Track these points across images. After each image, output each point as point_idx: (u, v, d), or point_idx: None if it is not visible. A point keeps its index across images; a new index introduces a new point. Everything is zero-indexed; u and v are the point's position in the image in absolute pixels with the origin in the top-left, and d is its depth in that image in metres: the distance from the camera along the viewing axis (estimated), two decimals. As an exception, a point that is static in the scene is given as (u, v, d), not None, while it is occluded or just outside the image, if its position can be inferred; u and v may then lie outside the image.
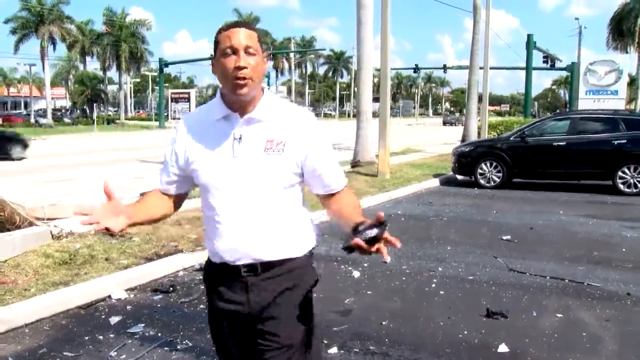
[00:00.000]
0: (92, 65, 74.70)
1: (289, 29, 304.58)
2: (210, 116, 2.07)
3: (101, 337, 4.28)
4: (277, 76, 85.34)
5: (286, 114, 2.06)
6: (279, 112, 2.05)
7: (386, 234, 1.74)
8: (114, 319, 4.64)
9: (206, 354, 3.98)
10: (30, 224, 6.59)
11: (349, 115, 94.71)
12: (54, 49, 60.94)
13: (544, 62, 44.67)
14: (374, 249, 1.72)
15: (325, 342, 4.15)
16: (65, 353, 3.99)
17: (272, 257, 2.03)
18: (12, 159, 19.83)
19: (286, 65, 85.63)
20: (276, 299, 2.05)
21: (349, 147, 18.85)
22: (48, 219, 7.27)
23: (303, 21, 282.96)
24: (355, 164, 15.11)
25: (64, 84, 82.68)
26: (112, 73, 73.22)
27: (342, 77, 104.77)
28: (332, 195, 2.13)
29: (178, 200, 2.23)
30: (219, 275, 2.10)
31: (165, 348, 4.11)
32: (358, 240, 1.71)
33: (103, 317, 4.72)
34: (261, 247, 2.02)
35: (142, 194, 2.24)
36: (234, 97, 1.97)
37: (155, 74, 70.87)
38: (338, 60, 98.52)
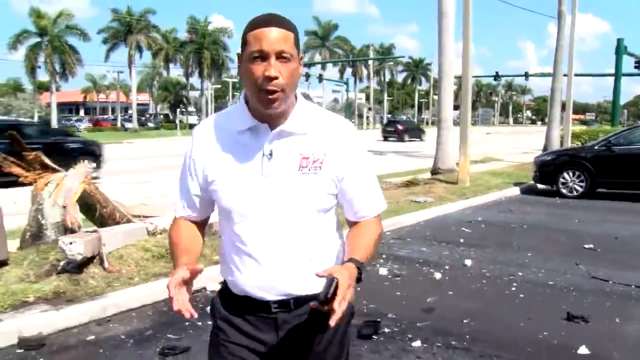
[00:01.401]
0: (175, 72, 77.49)
1: (368, 36, 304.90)
2: (232, 127, 1.78)
3: (200, 323, 4.64)
4: (355, 83, 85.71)
5: (324, 126, 1.78)
6: (315, 123, 1.78)
7: (339, 293, 1.51)
8: (210, 308, 5.01)
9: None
10: (128, 221, 7.09)
11: (427, 123, 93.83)
12: (141, 56, 63.75)
13: (635, 67, 42.77)
14: (326, 308, 1.51)
15: (409, 336, 4.38)
16: (169, 335, 4.39)
17: (306, 291, 1.77)
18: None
19: (365, 72, 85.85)
20: (310, 339, 1.82)
21: (428, 154, 18.93)
22: (143, 217, 7.79)
23: (382, 28, 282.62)
24: (435, 171, 15.19)
25: (148, 90, 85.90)
26: (194, 79, 75.68)
27: (420, 84, 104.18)
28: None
29: (204, 226, 1.99)
30: (240, 308, 1.84)
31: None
32: (313, 305, 1.54)
33: (200, 305, 5.08)
34: (295, 280, 1.77)
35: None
36: (262, 110, 1.70)
37: (236, 80, 72.74)
38: (417, 68, 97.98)
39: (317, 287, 1.62)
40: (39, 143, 13.28)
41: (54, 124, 52.47)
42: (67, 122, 63.84)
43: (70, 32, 53.03)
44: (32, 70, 54.60)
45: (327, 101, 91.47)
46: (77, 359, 4.04)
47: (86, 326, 4.57)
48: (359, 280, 1.65)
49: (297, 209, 1.73)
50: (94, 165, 15.95)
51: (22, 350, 4.14)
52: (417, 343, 4.26)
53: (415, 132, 45.90)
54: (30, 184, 6.51)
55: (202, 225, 1.97)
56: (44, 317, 4.54)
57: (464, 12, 13.92)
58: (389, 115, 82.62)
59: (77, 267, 5.52)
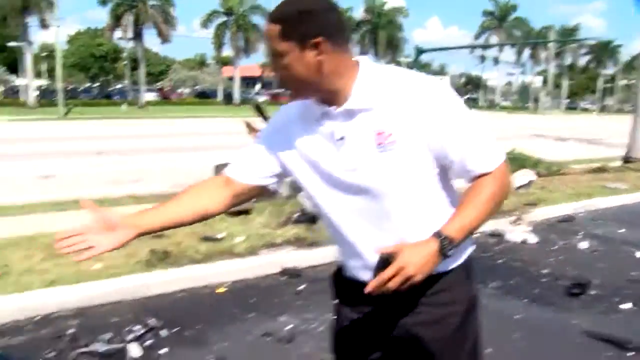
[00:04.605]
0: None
1: (549, 15, 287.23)
2: (311, 114, 1.63)
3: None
4: (533, 66, 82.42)
5: (398, 90, 1.53)
6: (386, 90, 1.54)
7: (387, 270, 1.43)
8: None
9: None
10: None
11: (610, 111, 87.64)
12: (320, 34, 65.97)
13: None
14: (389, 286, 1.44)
15: (617, 299, 4.82)
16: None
17: None
18: None
19: (543, 55, 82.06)
20: (402, 314, 1.71)
21: (611, 143, 18.35)
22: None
23: (565, 6, 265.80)
24: (627, 159, 14.77)
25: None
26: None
27: (605, 68, 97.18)
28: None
29: (243, 194, 1.76)
30: (349, 289, 1.79)
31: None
32: (371, 286, 1.46)
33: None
34: None
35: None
36: None
37: (410, 59, 73.15)
38: (602, 51, 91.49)
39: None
40: None
41: (236, 96, 56.47)
42: (247, 95, 67.93)
43: (254, 12, 56.50)
44: (219, 46, 59.01)
45: (500, 84, 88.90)
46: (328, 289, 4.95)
47: (330, 265, 5.47)
48: (445, 255, 1.49)
49: (386, 192, 1.56)
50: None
51: (285, 277, 5.19)
52: (626, 305, 4.68)
53: None
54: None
55: (241, 191, 1.76)
56: (295, 255, 5.60)
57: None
58: (567, 101, 78.44)
59: (311, 219, 6.48)
